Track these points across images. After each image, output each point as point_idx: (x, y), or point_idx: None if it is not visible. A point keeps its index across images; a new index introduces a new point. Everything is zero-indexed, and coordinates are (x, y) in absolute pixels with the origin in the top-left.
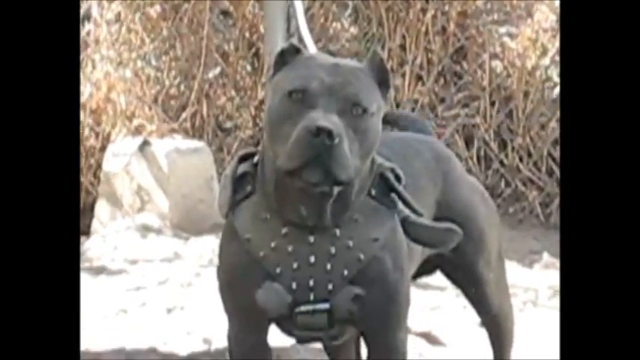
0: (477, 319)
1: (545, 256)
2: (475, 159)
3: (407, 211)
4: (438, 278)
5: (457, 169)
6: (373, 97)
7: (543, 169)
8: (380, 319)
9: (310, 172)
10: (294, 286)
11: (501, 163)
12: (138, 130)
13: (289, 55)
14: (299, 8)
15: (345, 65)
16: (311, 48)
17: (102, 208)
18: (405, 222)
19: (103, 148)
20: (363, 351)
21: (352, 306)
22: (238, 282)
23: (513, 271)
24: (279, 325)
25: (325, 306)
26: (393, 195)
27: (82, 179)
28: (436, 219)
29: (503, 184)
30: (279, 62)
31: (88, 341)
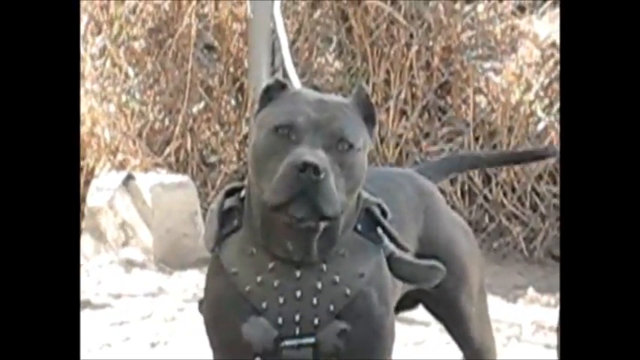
0: (461, 355)
1: (530, 291)
2: (459, 194)
3: (392, 247)
4: (422, 313)
5: (439, 203)
6: (359, 132)
7: (527, 204)
8: (365, 354)
9: (296, 207)
10: (280, 321)
11: (485, 198)
12: (122, 165)
13: (274, 90)
14: (284, 43)
15: (331, 100)
16: (295, 83)
17: (86, 242)
18: (390, 258)
19: (87, 183)
20: None
21: (338, 341)
22: (224, 316)
23: (497, 306)
24: (264, 359)
25: (311, 340)
26: (380, 230)
27: None
28: (418, 254)
29: (487, 219)
30: (265, 98)
31: None
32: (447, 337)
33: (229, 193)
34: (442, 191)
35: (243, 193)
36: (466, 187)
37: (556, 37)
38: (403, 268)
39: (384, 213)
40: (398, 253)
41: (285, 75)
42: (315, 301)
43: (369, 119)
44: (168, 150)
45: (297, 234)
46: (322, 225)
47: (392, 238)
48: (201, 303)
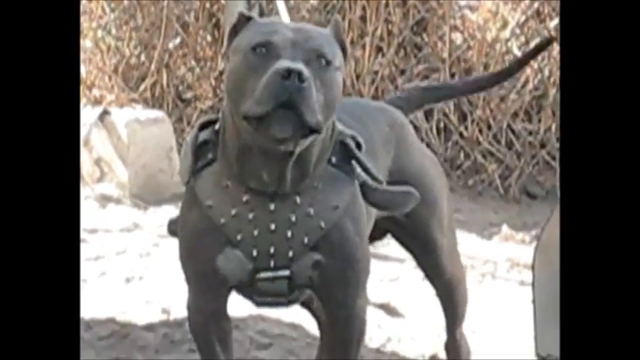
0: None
1: (504, 228)
2: (434, 131)
3: (365, 176)
4: (397, 249)
5: (410, 135)
6: (336, 52)
7: (503, 141)
8: (339, 286)
9: (279, 123)
10: (254, 253)
11: (461, 135)
12: (98, 100)
13: (241, 25)
14: None
15: (306, 25)
16: (285, 18)
17: None
18: (363, 186)
19: None
20: None
21: (312, 272)
22: (199, 248)
23: (472, 243)
24: (239, 290)
25: (285, 273)
26: (353, 162)
27: None
28: (389, 184)
29: (462, 156)
30: (233, 33)
31: None
32: (421, 274)
33: (203, 126)
34: (417, 128)
35: (217, 125)
36: (442, 124)
37: None
38: (377, 195)
39: (358, 145)
40: (370, 181)
41: (262, 14)
42: (289, 233)
43: (343, 50)
44: (143, 86)
45: (271, 163)
46: (298, 149)
47: (365, 170)
48: (170, 224)
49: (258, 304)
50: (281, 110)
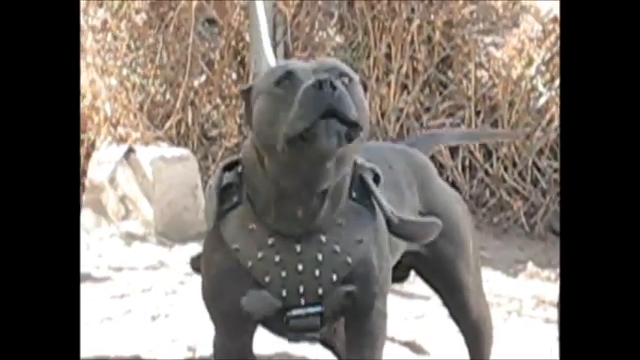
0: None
1: (530, 265)
2: (460, 168)
3: (390, 208)
4: (422, 287)
5: (434, 176)
6: (356, 77)
7: (528, 178)
8: (365, 313)
9: (325, 136)
10: (284, 293)
11: (486, 172)
12: (123, 138)
13: (246, 91)
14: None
15: (320, 59)
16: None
17: (87, 215)
18: (389, 219)
19: (87, 156)
20: None
21: (345, 301)
22: (224, 289)
23: (497, 280)
24: (270, 327)
25: (318, 309)
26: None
27: None
28: None
29: (487, 193)
30: (245, 97)
31: None
32: (446, 312)
33: (227, 168)
34: (442, 165)
35: (239, 168)
36: (467, 162)
37: (557, 11)
38: (401, 226)
39: (376, 179)
40: (397, 212)
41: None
42: (317, 272)
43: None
44: (169, 123)
45: (308, 197)
46: (340, 151)
47: (379, 206)
48: (193, 260)
49: (291, 339)
50: (323, 121)
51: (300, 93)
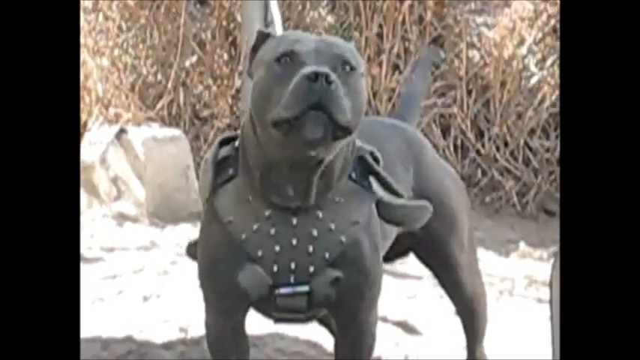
0: (454, 309)
1: (522, 245)
2: (452, 148)
3: (381, 193)
4: (415, 267)
5: (429, 153)
6: (360, 60)
7: (520, 158)
8: (354, 301)
9: (311, 127)
10: (275, 268)
11: (478, 152)
12: (114, 119)
13: (260, 42)
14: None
15: (329, 36)
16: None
17: None
18: (378, 203)
19: (79, 137)
20: None
21: (330, 289)
22: (219, 265)
23: (490, 260)
24: (257, 307)
25: (305, 288)
26: (372, 177)
27: None
28: None
29: (479, 173)
30: (253, 52)
31: None
32: (440, 291)
33: (223, 143)
34: (434, 145)
35: (237, 142)
36: (459, 142)
37: None
38: (392, 212)
39: (376, 160)
40: (386, 198)
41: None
42: (310, 248)
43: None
44: (160, 104)
45: (297, 176)
46: (327, 157)
47: (385, 184)
48: (189, 247)
49: (277, 320)
50: (311, 112)
51: (295, 79)
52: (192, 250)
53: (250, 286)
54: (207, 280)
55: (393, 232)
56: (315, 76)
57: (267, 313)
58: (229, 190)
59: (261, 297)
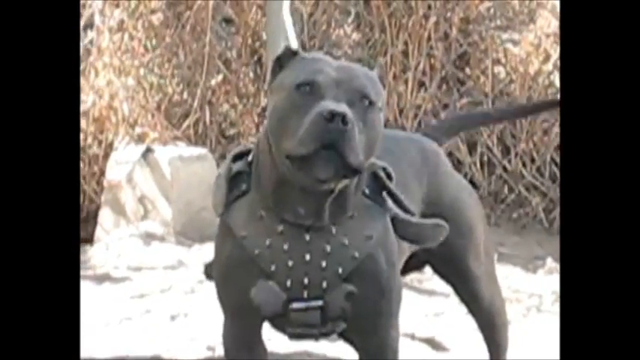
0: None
1: (549, 261)
2: (478, 165)
3: (396, 209)
4: (442, 284)
5: (443, 165)
6: (380, 92)
7: (546, 174)
8: (372, 316)
9: (321, 164)
10: (288, 283)
11: (504, 168)
12: (141, 138)
13: (286, 58)
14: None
15: (351, 64)
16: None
17: (105, 215)
18: (394, 220)
19: (106, 156)
20: None
21: (345, 303)
22: (233, 279)
23: (517, 276)
24: (272, 322)
25: (318, 303)
26: (385, 193)
27: (85, 187)
28: (424, 215)
29: (506, 189)
30: (277, 66)
31: (91, 349)
32: (466, 309)
33: (237, 158)
34: (460, 162)
35: (250, 157)
36: (485, 158)
37: None
38: (407, 229)
39: (389, 176)
40: (401, 214)
41: (304, 48)
42: (324, 264)
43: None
44: (186, 123)
45: (309, 199)
46: (339, 186)
47: (397, 202)
48: (207, 267)
49: (291, 335)
50: (324, 151)
51: (312, 115)
52: (209, 271)
53: (263, 302)
54: (222, 294)
55: (410, 246)
56: (331, 116)
57: (281, 328)
58: (242, 206)
59: (275, 312)
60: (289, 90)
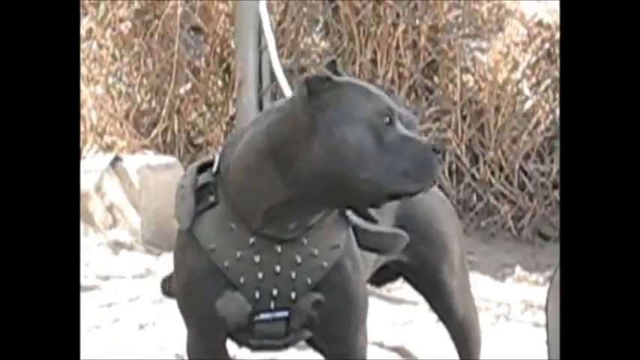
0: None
1: (518, 269)
2: (447, 173)
3: (355, 219)
4: (410, 293)
5: None
6: None
7: (515, 182)
8: (340, 324)
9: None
10: (257, 295)
11: (473, 177)
12: (109, 147)
13: (322, 87)
14: (266, 23)
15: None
16: (275, 63)
17: None
18: (355, 230)
19: None
20: None
21: (312, 311)
22: (197, 291)
23: (486, 285)
24: (235, 335)
25: (284, 314)
26: None
27: None
28: (398, 228)
29: (475, 198)
30: (307, 90)
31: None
32: (435, 316)
33: (201, 169)
34: None
35: (214, 168)
36: (454, 167)
37: (542, 15)
38: (367, 237)
39: None
40: (361, 224)
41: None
42: (293, 275)
43: None
44: (155, 131)
45: (306, 216)
46: None
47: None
48: (164, 282)
49: (254, 348)
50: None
51: (419, 149)
52: (167, 286)
53: (228, 314)
54: (186, 306)
55: (371, 257)
56: (437, 151)
57: (244, 342)
58: (210, 218)
59: (239, 325)
60: (370, 121)
